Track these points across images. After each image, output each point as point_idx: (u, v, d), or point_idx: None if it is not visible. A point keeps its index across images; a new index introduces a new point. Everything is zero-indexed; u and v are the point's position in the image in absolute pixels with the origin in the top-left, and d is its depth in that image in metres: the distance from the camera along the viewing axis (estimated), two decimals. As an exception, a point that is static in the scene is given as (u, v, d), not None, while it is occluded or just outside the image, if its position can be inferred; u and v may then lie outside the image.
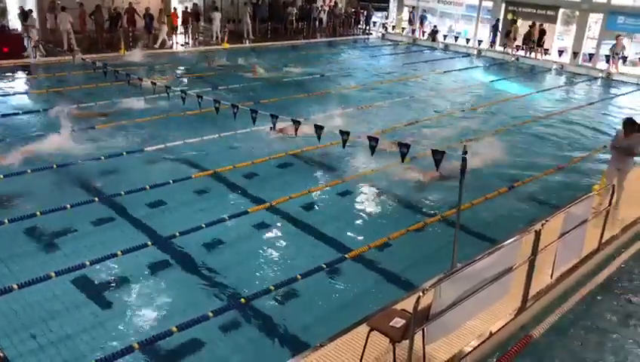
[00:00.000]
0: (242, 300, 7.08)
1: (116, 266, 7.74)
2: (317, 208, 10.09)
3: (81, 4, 22.65)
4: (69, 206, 9.18)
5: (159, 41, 24.14)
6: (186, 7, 27.32)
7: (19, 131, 12.95)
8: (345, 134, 8.84)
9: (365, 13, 34.07)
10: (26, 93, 16.69)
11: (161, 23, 24.35)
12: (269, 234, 9.02)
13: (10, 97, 16.02)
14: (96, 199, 9.64)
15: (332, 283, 7.73)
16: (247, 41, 27.16)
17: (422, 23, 32.65)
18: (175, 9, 26.70)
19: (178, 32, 26.56)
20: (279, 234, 9.12)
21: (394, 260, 8.37)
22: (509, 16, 29.12)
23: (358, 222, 9.72)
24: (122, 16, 23.55)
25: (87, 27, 22.88)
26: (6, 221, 8.56)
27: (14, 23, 22.26)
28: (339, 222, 9.54)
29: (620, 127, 9.65)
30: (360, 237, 9.00)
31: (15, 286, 6.89)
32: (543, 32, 27.19)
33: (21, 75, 18.47)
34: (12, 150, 11.58)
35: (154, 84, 13.64)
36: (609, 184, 8.88)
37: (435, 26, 31.60)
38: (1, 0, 22.60)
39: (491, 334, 6.42)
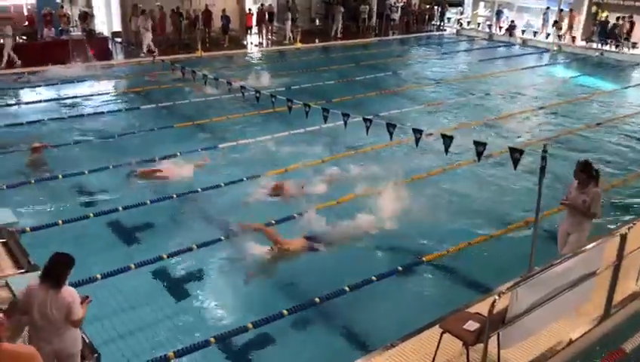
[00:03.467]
0: (317, 299, 7.10)
1: (192, 260, 8.00)
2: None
3: (161, 8, 23.56)
4: (148, 202, 9.62)
5: (144, 47, 21.96)
6: (261, 7, 27.77)
7: (101, 131, 13.59)
8: (418, 132, 8.71)
9: (439, 9, 33.44)
10: (107, 93, 17.52)
11: (144, 28, 21.88)
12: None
13: (96, 97, 16.87)
14: (174, 196, 9.95)
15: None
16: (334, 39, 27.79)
17: (498, 19, 31.64)
18: (250, 10, 27.23)
19: (252, 32, 27.11)
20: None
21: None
22: (594, 9, 27.69)
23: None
24: (199, 18, 24.25)
25: (166, 29, 23.74)
26: (91, 214, 9.05)
27: (100, 27, 23.44)
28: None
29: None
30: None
31: (99, 276, 7.27)
32: (631, 25, 25.66)
33: (104, 76, 19.34)
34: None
35: (229, 83, 13.96)
36: (559, 253, 6.91)
37: (512, 21, 30.53)
38: (89, 5, 23.88)
39: (571, 341, 6.14)
